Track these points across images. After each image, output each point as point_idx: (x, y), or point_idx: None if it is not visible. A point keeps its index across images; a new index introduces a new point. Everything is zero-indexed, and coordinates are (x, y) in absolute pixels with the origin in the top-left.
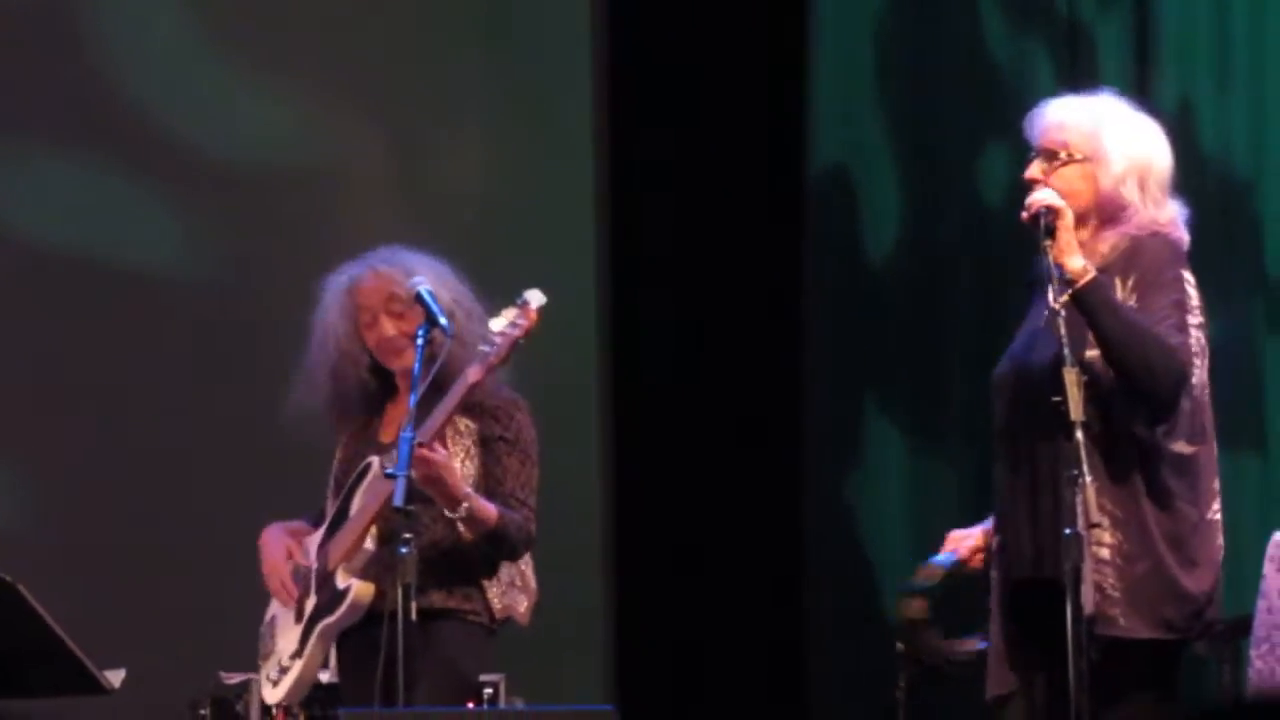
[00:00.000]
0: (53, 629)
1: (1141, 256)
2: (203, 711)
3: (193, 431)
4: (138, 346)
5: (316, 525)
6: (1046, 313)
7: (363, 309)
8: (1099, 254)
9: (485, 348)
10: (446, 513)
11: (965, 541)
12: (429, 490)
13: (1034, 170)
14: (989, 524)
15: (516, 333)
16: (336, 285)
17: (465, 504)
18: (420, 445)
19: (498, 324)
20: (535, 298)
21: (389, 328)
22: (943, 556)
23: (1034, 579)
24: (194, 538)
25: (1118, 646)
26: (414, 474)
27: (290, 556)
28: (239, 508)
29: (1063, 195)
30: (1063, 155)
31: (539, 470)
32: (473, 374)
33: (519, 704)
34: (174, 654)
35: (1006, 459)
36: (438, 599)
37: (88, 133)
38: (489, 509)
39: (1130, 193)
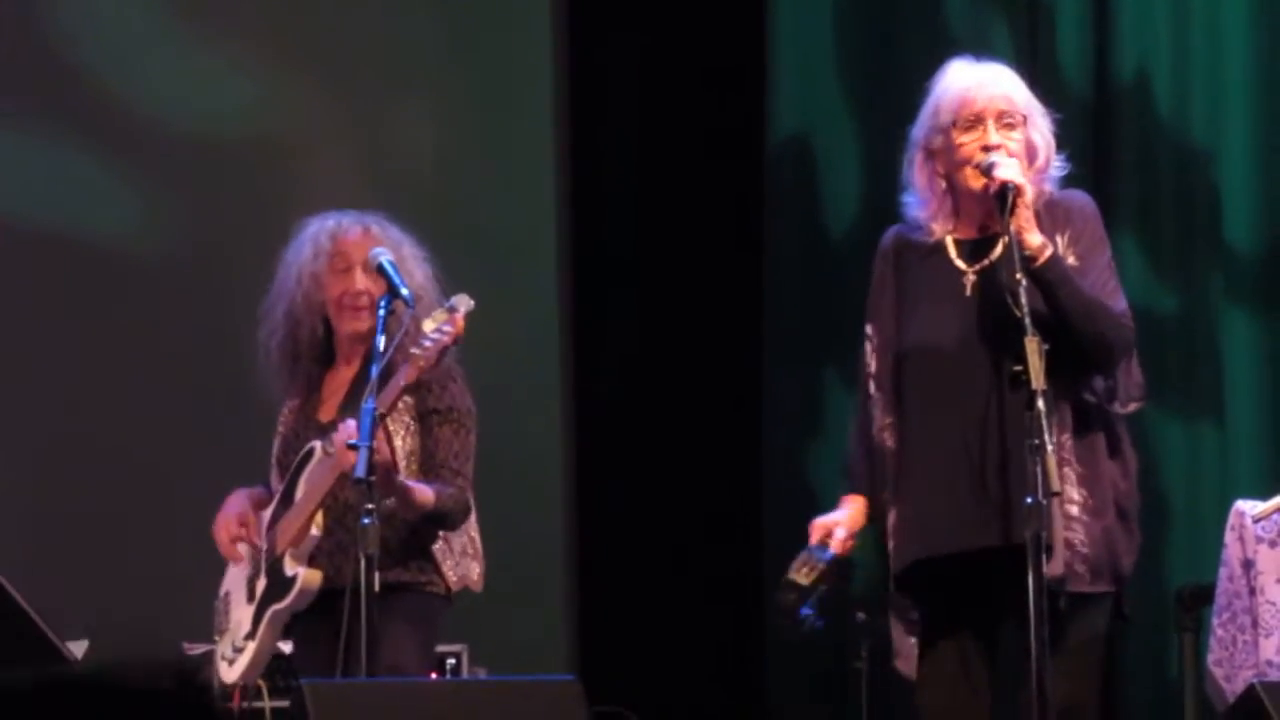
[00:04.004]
0: (15, 600)
1: (1068, 213)
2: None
3: (154, 403)
4: (98, 319)
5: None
6: (1005, 282)
7: (340, 255)
8: None
9: (416, 350)
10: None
11: (836, 532)
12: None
13: (994, 137)
14: (849, 509)
15: (445, 339)
16: (319, 227)
17: (395, 495)
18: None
19: (428, 326)
20: (463, 303)
21: (359, 282)
22: (820, 550)
23: (983, 548)
24: (156, 509)
25: (1075, 602)
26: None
27: (244, 524)
28: (201, 480)
29: (1019, 158)
30: (1017, 119)
31: (475, 436)
32: (405, 376)
33: (481, 674)
34: (136, 625)
35: (941, 429)
36: (393, 573)
37: (44, 106)
38: (425, 493)
39: (1049, 149)
